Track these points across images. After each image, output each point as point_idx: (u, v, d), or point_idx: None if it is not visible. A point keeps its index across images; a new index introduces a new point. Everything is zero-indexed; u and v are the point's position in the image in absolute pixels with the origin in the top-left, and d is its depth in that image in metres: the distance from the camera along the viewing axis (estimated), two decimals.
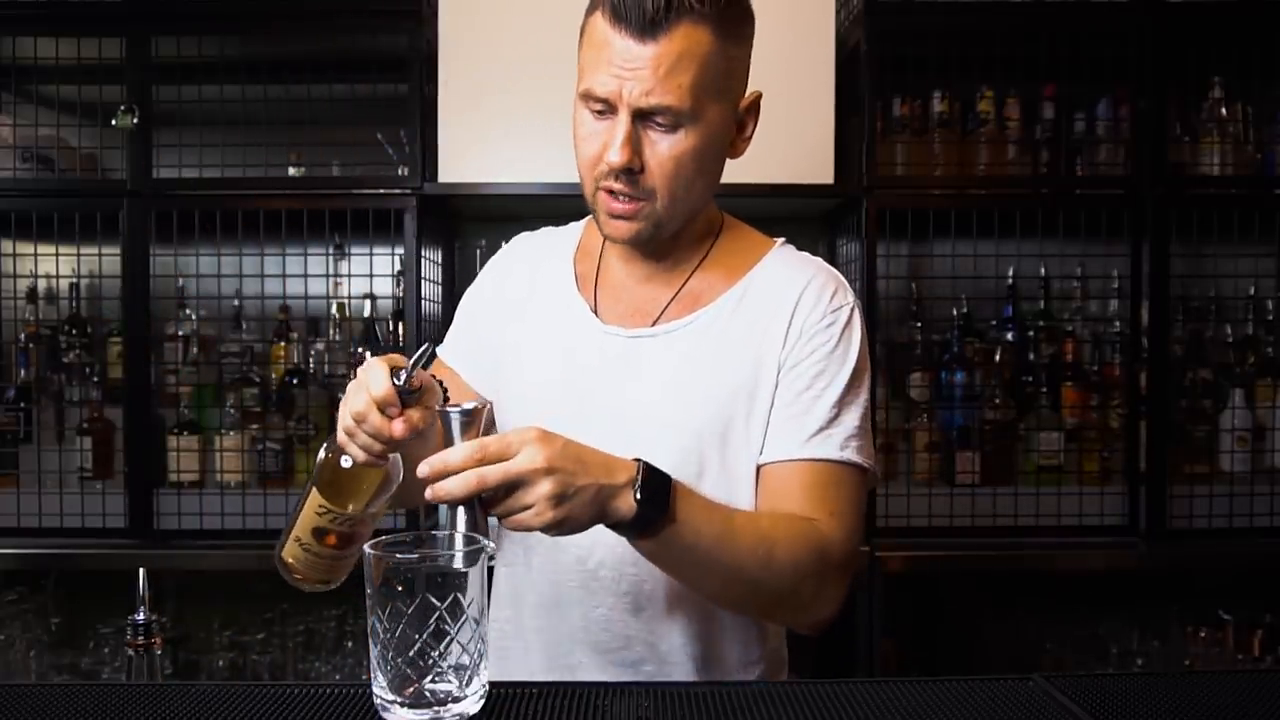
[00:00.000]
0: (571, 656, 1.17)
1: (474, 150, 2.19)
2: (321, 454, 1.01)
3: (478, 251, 2.54)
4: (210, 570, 2.22)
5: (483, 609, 0.86)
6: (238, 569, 2.21)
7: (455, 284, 2.58)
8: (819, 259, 1.23)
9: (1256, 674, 1.73)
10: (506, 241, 1.35)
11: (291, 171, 2.35)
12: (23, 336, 2.39)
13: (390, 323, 2.45)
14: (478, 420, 0.93)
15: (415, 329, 2.21)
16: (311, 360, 2.42)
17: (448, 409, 0.93)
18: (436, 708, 0.84)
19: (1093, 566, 2.22)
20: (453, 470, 0.89)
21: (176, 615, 2.40)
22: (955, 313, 2.43)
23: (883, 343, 2.31)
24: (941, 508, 2.22)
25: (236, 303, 2.42)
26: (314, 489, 1.00)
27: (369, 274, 2.28)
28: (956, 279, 2.34)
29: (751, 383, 1.14)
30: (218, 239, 2.22)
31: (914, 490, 2.24)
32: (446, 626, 0.84)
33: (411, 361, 0.95)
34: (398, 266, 2.31)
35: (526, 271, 1.27)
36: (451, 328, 1.32)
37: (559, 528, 0.92)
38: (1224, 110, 2.30)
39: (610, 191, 1.08)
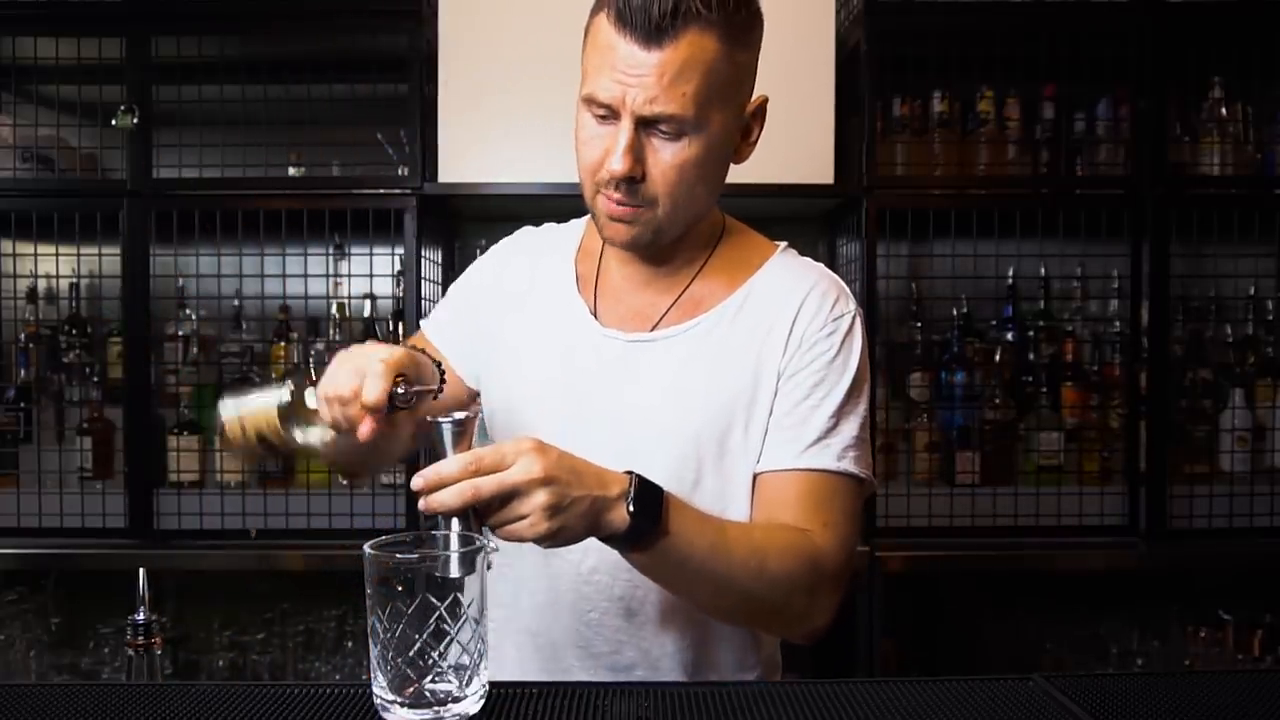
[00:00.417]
0: (563, 660, 1.17)
1: (474, 150, 2.19)
2: (290, 385, 1.03)
3: (477, 251, 2.53)
4: (210, 570, 2.22)
5: (483, 609, 0.86)
6: (238, 569, 2.21)
7: None
8: (821, 265, 1.21)
9: (1256, 674, 1.73)
10: None
11: (291, 171, 2.35)
12: (23, 336, 2.39)
13: (390, 323, 2.45)
14: (469, 430, 0.92)
15: (415, 329, 2.20)
16: (311, 360, 2.42)
17: (440, 420, 0.92)
18: (436, 708, 0.84)
19: (1093, 566, 2.22)
20: (448, 482, 0.88)
21: (176, 615, 2.40)
22: (955, 313, 2.43)
23: (883, 343, 2.31)
24: (941, 508, 2.22)
25: (236, 303, 2.42)
26: (273, 408, 1.03)
27: (369, 274, 2.28)
28: (956, 279, 2.34)
29: (750, 390, 1.13)
30: (218, 239, 2.22)
31: (914, 490, 2.24)
32: (446, 626, 0.84)
33: (417, 390, 0.94)
34: (398, 266, 2.31)
35: (527, 265, 1.25)
36: (442, 307, 1.30)
37: (552, 539, 0.92)
38: (1224, 110, 2.30)
39: (610, 196, 1.07)
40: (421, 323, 1.31)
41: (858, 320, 1.16)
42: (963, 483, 2.26)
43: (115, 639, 2.21)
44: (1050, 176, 2.31)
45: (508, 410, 1.20)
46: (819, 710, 0.90)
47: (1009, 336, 2.42)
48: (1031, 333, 2.42)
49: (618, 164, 1.03)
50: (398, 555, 0.85)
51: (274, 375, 2.39)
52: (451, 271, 2.59)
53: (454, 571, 0.84)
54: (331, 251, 2.35)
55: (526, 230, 1.32)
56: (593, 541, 0.98)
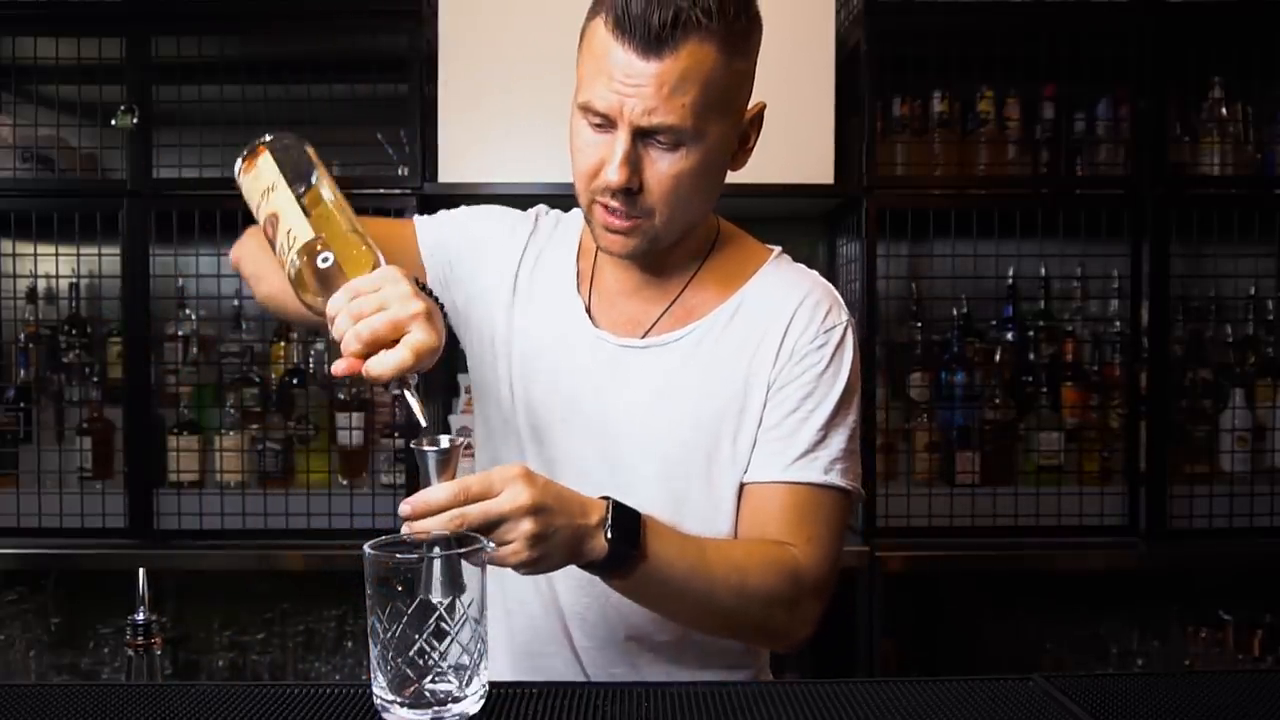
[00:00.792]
0: (548, 658, 1.17)
1: (474, 150, 2.20)
2: (302, 248, 0.95)
3: None
4: (210, 570, 2.22)
5: (482, 609, 0.86)
6: (238, 569, 2.21)
7: None
8: (814, 273, 1.20)
9: (1256, 674, 1.73)
10: None
11: None
12: (23, 336, 2.39)
13: None
14: (454, 459, 0.91)
15: None
16: (311, 360, 2.42)
17: (425, 449, 0.90)
18: (436, 708, 0.84)
19: (1093, 566, 2.22)
20: (434, 509, 0.88)
21: (176, 615, 2.40)
22: (955, 313, 2.43)
23: (883, 343, 2.31)
24: (941, 508, 2.22)
25: (236, 303, 2.41)
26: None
27: None
28: (956, 279, 2.34)
29: (740, 401, 1.12)
30: (218, 239, 2.22)
31: (914, 490, 2.24)
32: (446, 626, 0.84)
33: (434, 437, 0.91)
34: None
35: (535, 251, 1.21)
36: (455, 220, 1.24)
37: (532, 567, 0.92)
38: (1224, 110, 2.30)
39: (606, 206, 1.05)
40: (418, 220, 1.23)
41: (849, 331, 1.14)
42: (963, 483, 2.26)
43: (115, 639, 2.22)
44: (1050, 176, 2.31)
45: (501, 401, 1.18)
46: (819, 710, 0.90)
47: (1009, 336, 2.42)
48: (1031, 333, 2.42)
49: (614, 175, 1.01)
50: (398, 555, 0.85)
51: (274, 375, 2.39)
52: None
53: (436, 597, 0.84)
54: None
55: (548, 215, 1.26)
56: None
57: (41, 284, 2.43)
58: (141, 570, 1.08)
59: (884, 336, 2.33)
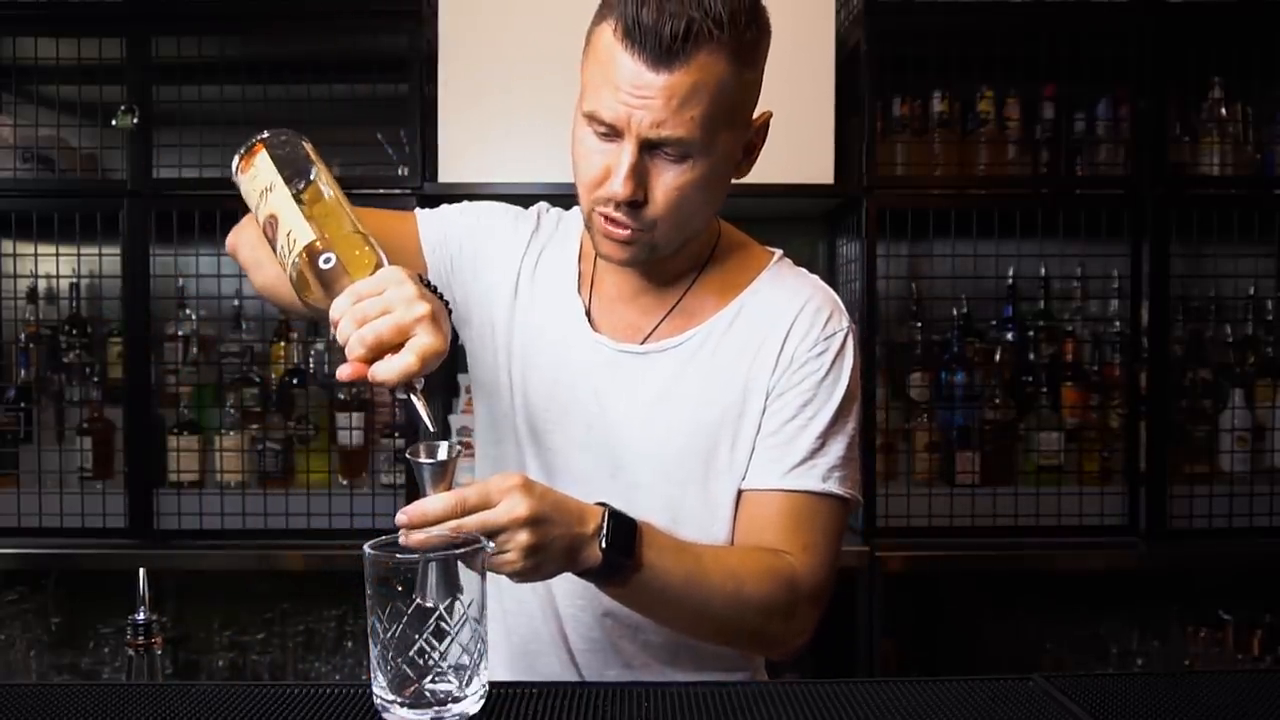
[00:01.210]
0: (543, 657, 1.17)
1: (474, 150, 2.20)
2: (302, 250, 0.93)
3: None
4: (210, 570, 2.22)
5: (482, 609, 0.86)
6: (238, 569, 2.21)
7: None
8: (815, 278, 1.19)
9: (1256, 674, 1.74)
10: None
11: None
12: (23, 336, 2.39)
13: None
14: (451, 469, 0.91)
15: None
16: (311, 360, 2.42)
17: (421, 460, 0.90)
18: (436, 708, 0.84)
19: (1093, 566, 2.22)
20: (430, 520, 0.88)
21: (176, 615, 2.40)
22: (955, 313, 2.43)
23: (883, 343, 2.31)
24: (941, 508, 2.22)
25: (236, 303, 2.42)
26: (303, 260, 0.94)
27: None
28: (956, 279, 2.34)
29: (739, 407, 1.11)
30: (218, 239, 2.19)
31: (914, 490, 2.24)
32: (446, 626, 0.84)
33: (434, 444, 0.91)
34: None
35: (537, 249, 1.20)
36: (458, 215, 1.21)
37: (525, 576, 0.92)
38: (1224, 110, 2.30)
39: (607, 216, 1.03)
40: (419, 214, 1.21)
41: (850, 338, 1.13)
42: (963, 483, 2.26)
43: (115, 639, 2.22)
44: (1050, 176, 2.31)
45: (500, 401, 1.18)
46: (819, 710, 0.90)
47: (1009, 336, 2.42)
48: (1031, 333, 2.42)
49: (620, 188, 0.99)
50: (398, 555, 0.85)
51: (274, 375, 2.39)
52: None
53: (430, 601, 0.84)
54: None
55: (549, 213, 1.25)
56: None
57: (42, 284, 2.43)
58: (142, 570, 1.08)
59: (884, 336, 2.33)
